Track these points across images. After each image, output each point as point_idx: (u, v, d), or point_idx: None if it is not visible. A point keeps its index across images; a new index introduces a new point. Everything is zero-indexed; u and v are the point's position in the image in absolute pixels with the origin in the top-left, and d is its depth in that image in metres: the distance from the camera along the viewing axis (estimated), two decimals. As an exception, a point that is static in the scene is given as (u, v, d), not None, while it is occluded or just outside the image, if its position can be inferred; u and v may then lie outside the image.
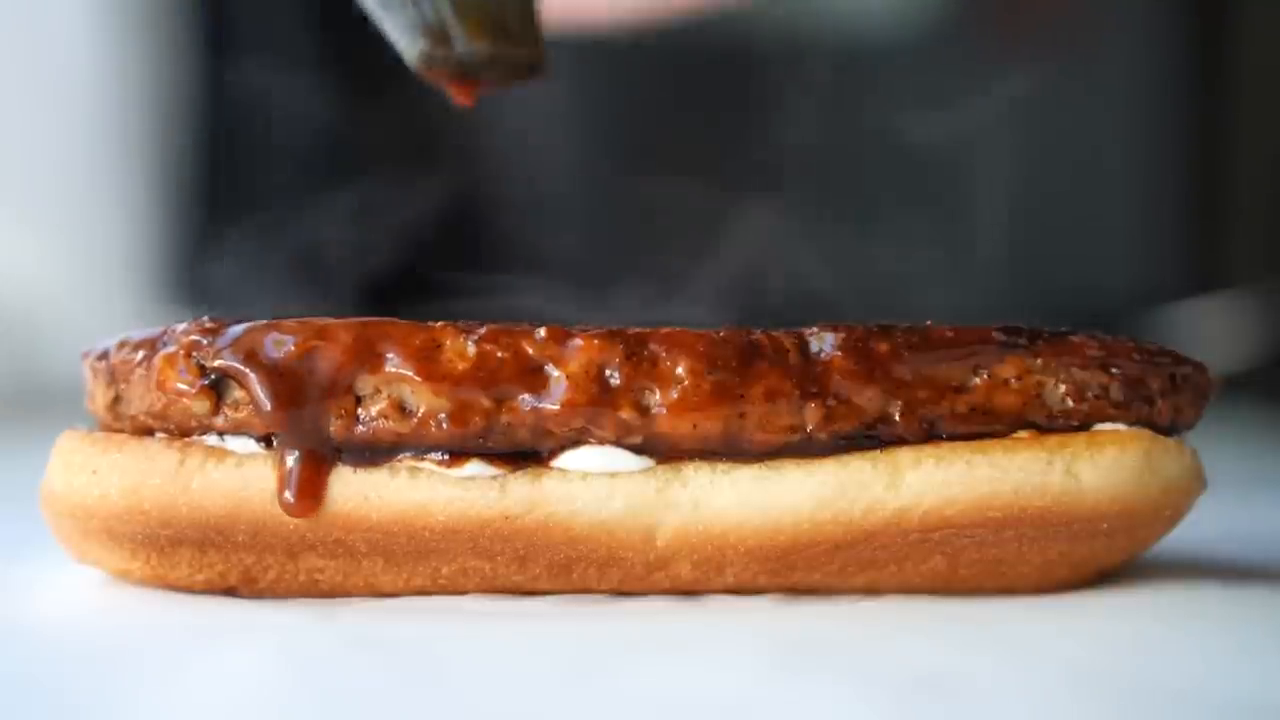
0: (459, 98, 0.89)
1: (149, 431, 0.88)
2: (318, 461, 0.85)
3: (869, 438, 0.86)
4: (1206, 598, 0.89)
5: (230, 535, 0.86)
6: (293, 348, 0.85)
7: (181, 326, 0.87)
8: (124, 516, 0.86)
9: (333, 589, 0.88)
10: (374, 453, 0.85)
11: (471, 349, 0.84)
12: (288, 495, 0.84)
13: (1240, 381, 1.91)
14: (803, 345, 0.86)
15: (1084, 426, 0.87)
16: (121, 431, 0.89)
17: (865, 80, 2.86)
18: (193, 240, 2.57)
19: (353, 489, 0.85)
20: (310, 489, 0.84)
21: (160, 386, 0.86)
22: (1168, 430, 0.90)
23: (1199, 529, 0.95)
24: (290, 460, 0.84)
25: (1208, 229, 2.88)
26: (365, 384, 0.85)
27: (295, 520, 0.85)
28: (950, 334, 0.87)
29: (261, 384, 0.84)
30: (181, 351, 0.86)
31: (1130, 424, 0.88)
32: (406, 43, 0.85)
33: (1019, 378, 0.87)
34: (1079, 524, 0.86)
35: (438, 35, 0.84)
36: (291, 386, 0.84)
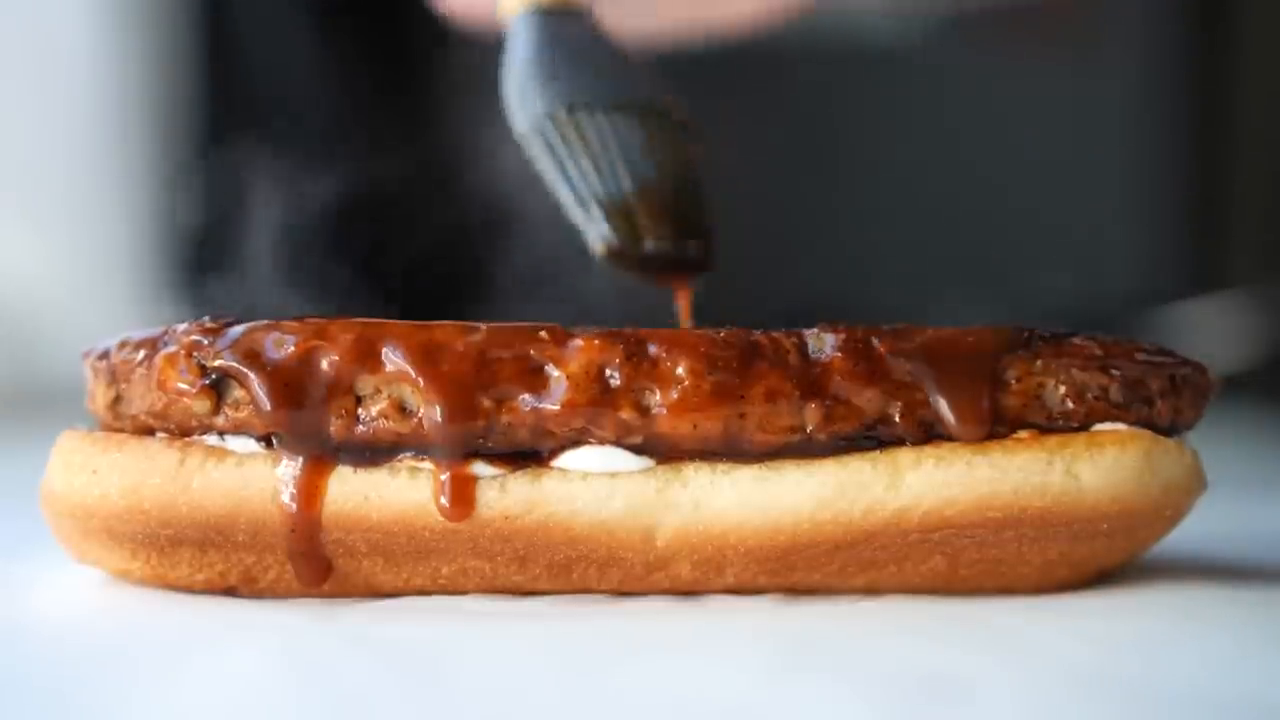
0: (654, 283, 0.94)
1: (149, 431, 0.88)
2: (317, 463, 0.85)
3: (869, 438, 0.86)
4: (1206, 598, 0.89)
5: (230, 535, 0.86)
6: (293, 348, 0.85)
7: (182, 326, 0.87)
8: (124, 516, 0.86)
9: (333, 589, 0.88)
10: (374, 453, 0.85)
11: (472, 349, 0.84)
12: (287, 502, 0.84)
13: (1240, 381, 1.91)
14: (803, 346, 0.86)
15: (1084, 427, 0.87)
16: (122, 431, 0.89)
17: (865, 82, 2.86)
18: (193, 239, 2.57)
19: (353, 489, 0.85)
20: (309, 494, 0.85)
21: (161, 386, 0.86)
22: (1168, 431, 0.89)
23: (1199, 529, 0.95)
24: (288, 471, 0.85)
25: (1208, 229, 2.88)
26: (365, 384, 0.85)
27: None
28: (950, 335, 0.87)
29: (262, 384, 0.84)
30: (182, 351, 0.86)
31: (1130, 424, 0.88)
32: (595, 234, 0.89)
33: (1019, 378, 0.87)
34: (1079, 524, 0.86)
35: (629, 232, 0.89)
36: (292, 386, 0.84)
